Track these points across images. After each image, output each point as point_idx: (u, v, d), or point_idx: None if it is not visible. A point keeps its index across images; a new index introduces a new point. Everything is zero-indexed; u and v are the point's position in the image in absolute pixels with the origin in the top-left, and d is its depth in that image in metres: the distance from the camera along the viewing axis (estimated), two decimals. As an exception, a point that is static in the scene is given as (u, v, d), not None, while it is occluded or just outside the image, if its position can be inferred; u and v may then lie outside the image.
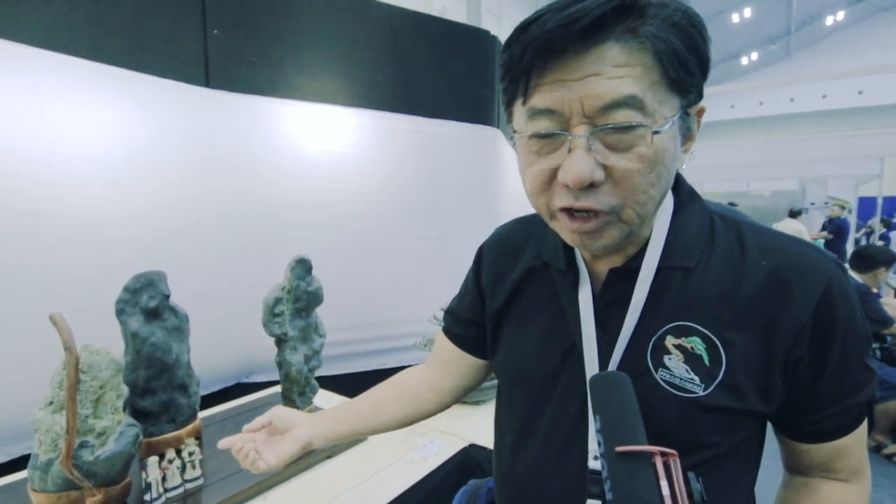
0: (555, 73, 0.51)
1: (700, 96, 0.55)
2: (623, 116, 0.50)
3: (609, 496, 0.46)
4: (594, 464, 0.59)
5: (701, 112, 0.57)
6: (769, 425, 0.66)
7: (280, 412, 0.85)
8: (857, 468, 0.64)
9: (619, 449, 0.46)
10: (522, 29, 0.52)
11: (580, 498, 0.60)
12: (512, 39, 0.53)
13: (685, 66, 0.51)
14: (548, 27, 0.49)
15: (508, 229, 0.83)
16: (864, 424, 0.62)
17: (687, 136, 0.57)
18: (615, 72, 0.49)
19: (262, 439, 0.82)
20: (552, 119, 0.52)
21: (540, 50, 0.50)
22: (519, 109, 0.56)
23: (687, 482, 0.47)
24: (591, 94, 0.49)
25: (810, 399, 0.59)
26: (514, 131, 0.59)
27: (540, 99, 0.52)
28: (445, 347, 0.88)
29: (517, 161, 0.62)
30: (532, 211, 0.83)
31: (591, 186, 0.52)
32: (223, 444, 0.82)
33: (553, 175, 0.55)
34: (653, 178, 0.53)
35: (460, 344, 0.86)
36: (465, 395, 0.93)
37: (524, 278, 0.74)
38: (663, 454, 0.46)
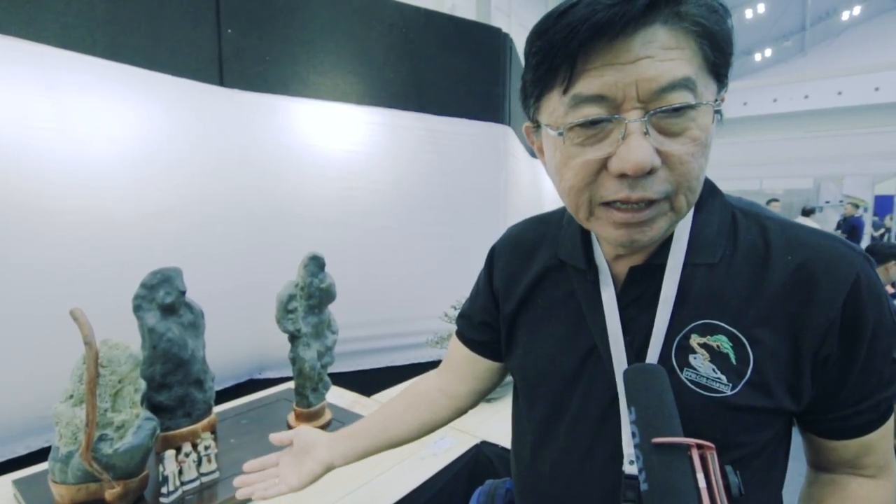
0: (605, 57, 0.48)
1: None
2: (679, 98, 0.48)
3: (644, 487, 0.45)
4: (630, 468, 0.59)
5: (722, 100, 0.56)
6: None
7: (303, 433, 0.85)
8: (884, 464, 0.63)
9: (657, 440, 0.46)
10: (561, 14, 0.49)
11: (612, 502, 0.60)
12: (547, 26, 0.50)
13: (723, 50, 0.51)
14: (601, 6, 0.46)
15: (521, 229, 0.81)
16: (892, 420, 0.61)
17: None
18: (666, 54, 0.48)
19: (286, 461, 0.83)
20: (601, 105, 0.50)
21: (593, 31, 0.47)
22: (556, 100, 0.53)
23: (724, 475, 0.47)
24: (645, 77, 0.48)
25: (838, 395, 0.58)
26: (544, 125, 0.56)
27: (587, 85, 0.49)
28: (459, 352, 0.86)
29: (548, 157, 0.59)
30: (545, 210, 0.82)
31: (649, 173, 0.50)
32: (248, 466, 0.83)
33: (601, 166, 0.52)
34: (703, 161, 0.52)
35: (474, 348, 0.84)
36: (482, 399, 0.91)
37: (539, 279, 0.72)
38: (699, 446, 0.46)
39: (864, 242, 8.57)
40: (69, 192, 1.49)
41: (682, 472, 0.45)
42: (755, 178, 11.72)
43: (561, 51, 0.49)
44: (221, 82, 1.93)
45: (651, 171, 0.50)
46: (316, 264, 1.49)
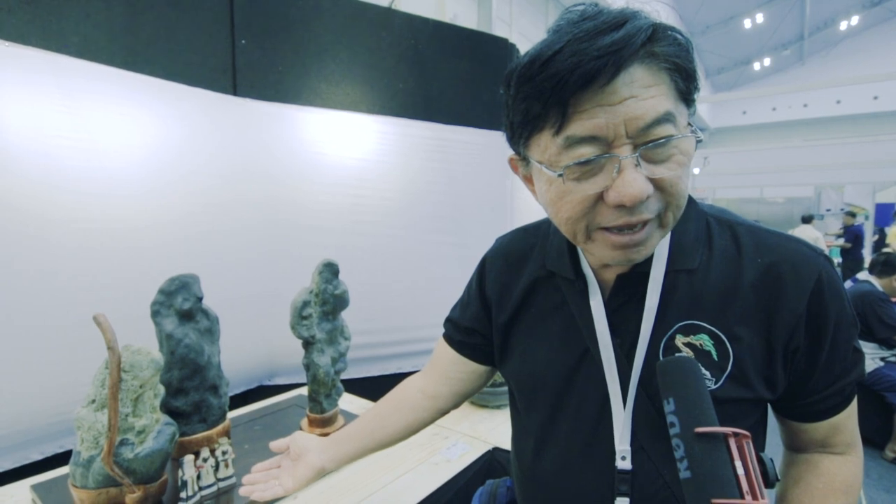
0: (594, 100, 0.52)
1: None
2: (663, 131, 0.53)
3: (686, 475, 0.48)
4: (622, 464, 0.65)
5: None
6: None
7: (297, 438, 0.90)
8: (850, 441, 0.70)
9: (699, 430, 0.49)
10: (546, 62, 0.52)
11: (608, 497, 0.65)
12: (532, 73, 0.53)
13: (692, 79, 0.56)
14: (587, 57, 0.49)
15: (510, 239, 0.86)
16: (855, 401, 0.69)
17: None
18: (647, 92, 0.52)
19: (285, 465, 0.88)
20: (593, 145, 0.53)
21: (583, 81, 0.50)
22: (547, 139, 0.56)
23: (761, 462, 0.50)
24: (633, 116, 0.52)
25: (808, 383, 0.64)
26: (536, 162, 0.59)
27: (579, 127, 0.53)
28: (445, 354, 0.91)
29: (541, 190, 0.62)
30: (535, 219, 0.86)
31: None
32: (257, 468, 0.88)
33: (598, 198, 0.56)
34: (687, 181, 0.58)
35: (461, 350, 0.88)
36: (463, 401, 0.95)
37: (530, 289, 0.77)
38: (736, 435, 0.49)
39: (867, 250, 8.59)
40: (88, 201, 1.51)
41: (722, 459, 0.48)
42: (756, 187, 11.76)
43: (552, 98, 0.52)
44: (235, 92, 1.95)
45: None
46: (330, 271, 1.51)
